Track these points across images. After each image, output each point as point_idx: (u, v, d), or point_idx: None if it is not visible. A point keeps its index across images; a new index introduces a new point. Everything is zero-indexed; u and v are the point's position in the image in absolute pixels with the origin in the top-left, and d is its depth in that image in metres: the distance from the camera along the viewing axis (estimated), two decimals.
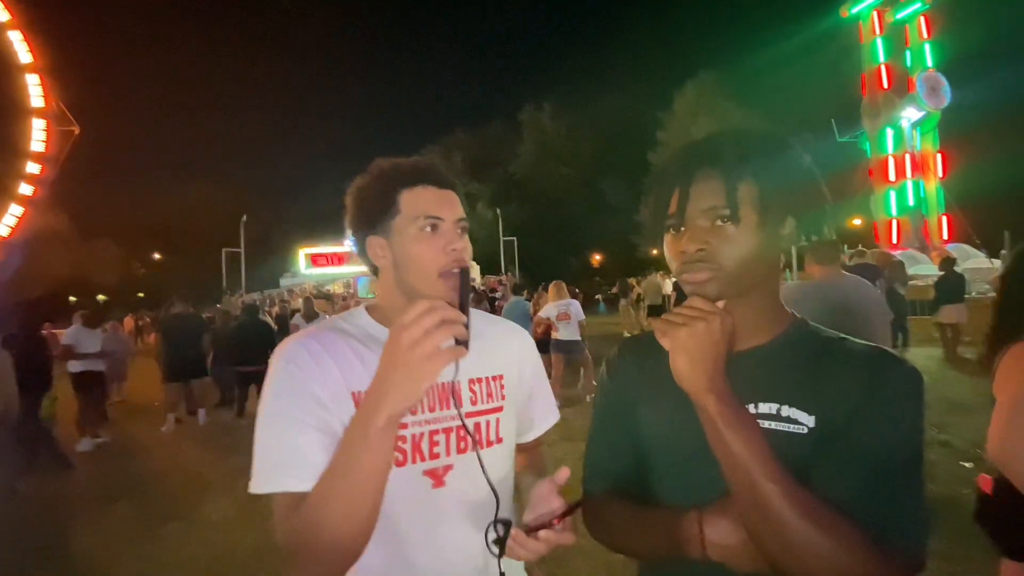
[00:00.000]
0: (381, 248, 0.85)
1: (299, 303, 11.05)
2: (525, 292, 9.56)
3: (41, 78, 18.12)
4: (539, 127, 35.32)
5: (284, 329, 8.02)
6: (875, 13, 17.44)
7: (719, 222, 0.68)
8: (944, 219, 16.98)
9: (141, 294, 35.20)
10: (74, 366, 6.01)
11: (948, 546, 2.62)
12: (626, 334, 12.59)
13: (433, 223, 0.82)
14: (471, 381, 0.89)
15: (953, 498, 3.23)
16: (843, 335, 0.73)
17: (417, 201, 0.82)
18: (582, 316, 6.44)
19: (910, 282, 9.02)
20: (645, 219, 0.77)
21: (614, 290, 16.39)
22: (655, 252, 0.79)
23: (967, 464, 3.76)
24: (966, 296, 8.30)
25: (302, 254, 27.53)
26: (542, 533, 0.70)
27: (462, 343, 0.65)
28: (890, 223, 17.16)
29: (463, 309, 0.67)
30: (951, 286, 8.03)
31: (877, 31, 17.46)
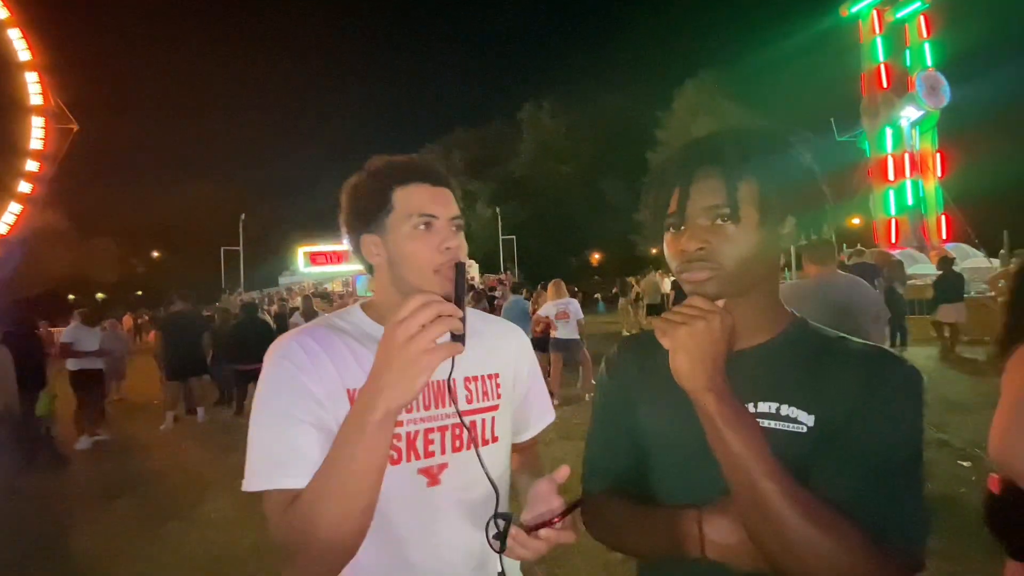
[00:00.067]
0: (375, 246, 0.84)
1: (298, 301, 11.05)
2: (524, 291, 9.56)
3: (40, 76, 18.08)
4: (539, 126, 35.31)
5: (283, 327, 8.01)
6: (875, 12, 17.42)
7: (719, 221, 0.68)
8: (943, 218, 16.98)
9: (140, 292, 35.19)
10: (73, 364, 6.01)
11: (947, 545, 2.62)
12: (625, 333, 12.59)
13: (427, 221, 0.81)
14: (467, 379, 0.88)
15: (952, 498, 3.24)
16: (843, 334, 0.73)
17: (411, 199, 0.82)
18: (581, 315, 6.45)
19: (909, 281, 9.03)
20: (645, 218, 0.77)
21: (616, 290, 16.40)
22: (654, 251, 0.79)
23: (966, 464, 3.77)
24: (965, 295, 8.31)
25: (301, 252, 27.51)
26: (543, 532, 0.70)
27: (458, 338, 0.65)
28: (889, 222, 17.16)
29: (459, 304, 0.67)
30: (949, 285, 8.05)
31: (876, 30, 17.44)
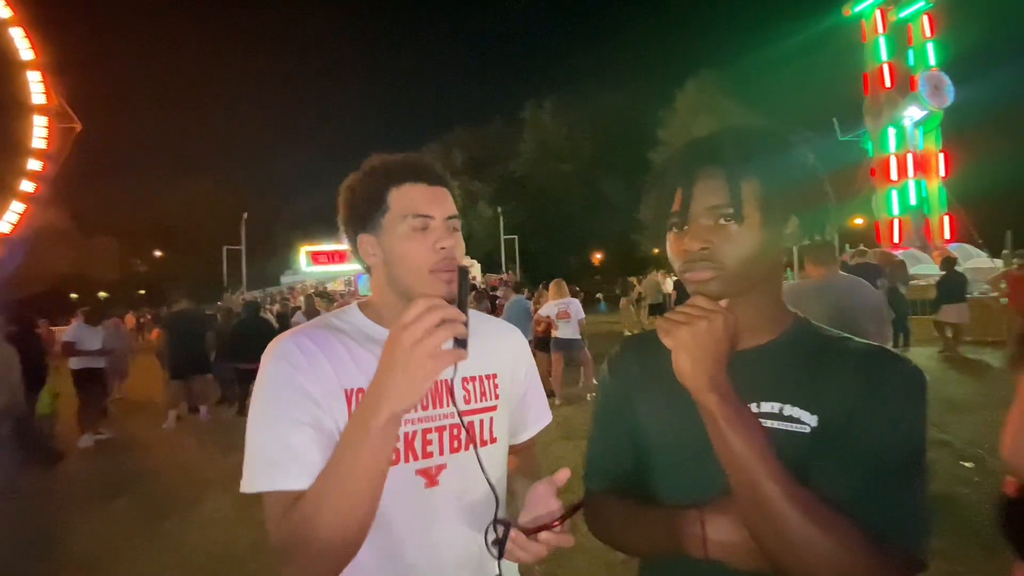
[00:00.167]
0: (372, 246, 0.84)
1: (300, 301, 11.07)
2: (526, 290, 9.56)
3: (43, 75, 18.12)
4: (539, 125, 35.27)
5: (285, 327, 7.98)
6: (878, 11, 17.36)
7: (722, 221, 0.68)
8: (946, 218, 16.92)
9: (142, 291, 35.25)
10: (75, 363, 6.03)
11: (948, 545, 2.62)
12: (626, 333, 12.59)
13: (422, 221, 0.81)
14: (464, 380, 0.88)
15: (953, 498, 3.23)
16: (845, 335, 0.73)
17: (406, 199, 0.81)
18: (582, 315, 6.45)
19: (911, 282, 9.01)
20: (647, 217, 0.77)
21: (618, 291, 16.39)
22: (655, 251, 0.78)
23: (967, 464, 3.77)
24: (967, 296, 8.29)
25: (303, 252, 27.54)
26: (542, 535, 0.70)
27: (461, 343, 0.65)
28: (892, 222, 17.11)
29: (462, 308, 0.67)
30: (952, 286, 8.03)
31: (880, 29, 17.38)
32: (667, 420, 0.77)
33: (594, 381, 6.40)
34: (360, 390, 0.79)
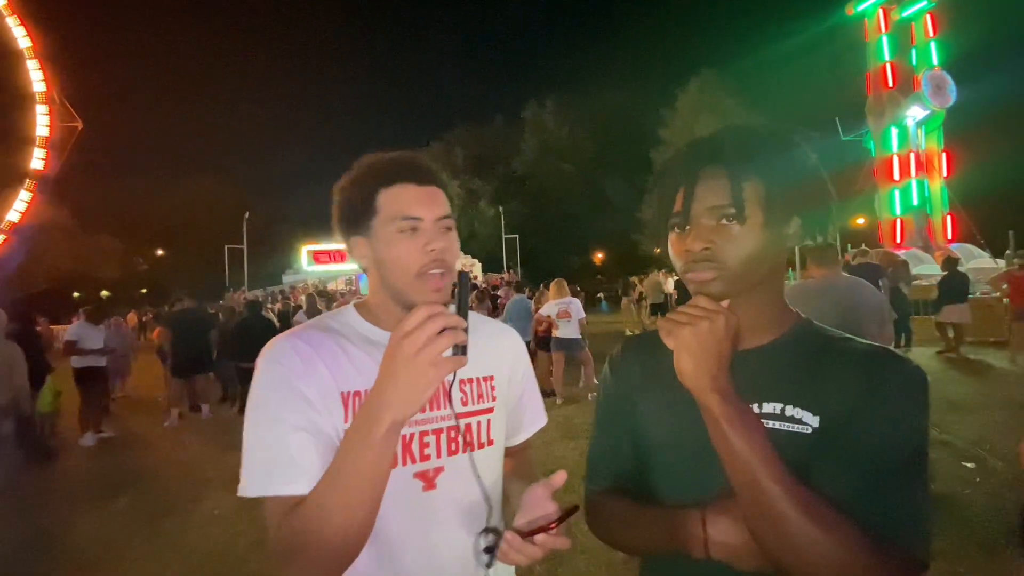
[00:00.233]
0: (363, 249, 0.83)
1: (302, 300, 11.08)
2: (527, 290, 9.56)
3: (41, 63, 18.15)
4: (541, 124, 35.23)
5: (286, 326, 8.03)
6: (881, 11, 17.30)
7: (724, 221, 0.68)
8: (948, 219, 16.88)
9: (144, 290, 35.29)
10: (77, 362, 6.05)
11: (949, 545, 2.62)
12: (628, 332, 12.58)
13: (412, 223, 0.79)
14: (462, 381, 0.87)
15: (955, 498, 3.23)
16: (847, 335, 0.73)
17: (395, 201, 0.80)
18: (582, 314, 6.44)
19: (914, 282, 8.99)
20: (649, 217, 0.77)
21: (621, 290, 16.38)
22: (657, 250, 0.78)
23: (969, 464, 3.76)
24: (970, 296, 8.27)
25: (304, 251, 27.56)
26: (539, 537, 0.69)
27: (461, 349, 0.64)
28: (894, 222, 17.07)
29: (463, 313, 0.66)
30: (954, 286, 8.01)
31: (882, 29, 17.33)
32: (668, 420, 0.76)
33: (595, 381, 6.40)
34: (357, 393, 0.78)
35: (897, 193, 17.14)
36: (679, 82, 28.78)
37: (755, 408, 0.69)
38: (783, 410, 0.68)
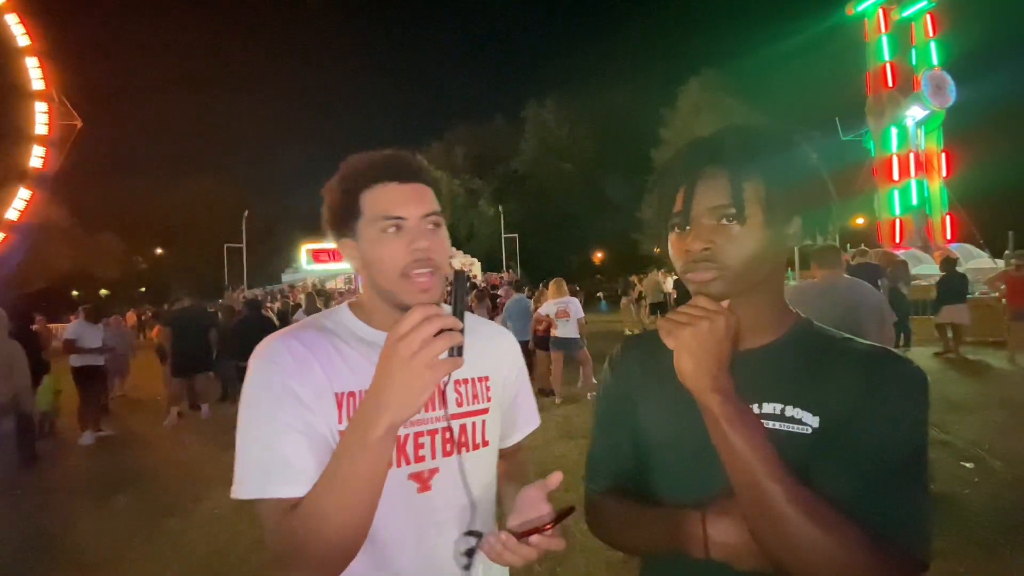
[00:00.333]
0: (352, 250, 0.83)
1: (301, 298, 11.08)
2: (526, 289, 9.56)
3: (40, 61, 18.10)
4: (541, 123, 35.24)
5: (286, 324, 7.97)
6: (881, 11, 17.31)
7: (724, 221, 0.67)
8: (947, 219, 16.90)
9: (143, 289, 35.29)
10: (76, 360, 6.05)
11: (948, 545, 2.62)
12: (627, 332, 12.59)
13: (395, 223, 0.78)
14: (456, 382, 0.87)
15: (953, 498, 3.24)
16: (848, 335, 0.73)
17: (378, 201, 0.79)
18: (581, 314, 6.44)
19: (913, 282, 8.99)
20: (649, 217, 0.77)
21: (620, 289, 16.39)
22: (656, 250, 0.78)
23: (968, 464, 3.77)
24: (968, 296, 8.27)
25: (304, 250, 27.57)
26: (533, 538, 0.69)
27: (457, 349, 0.64)
28: (893, 222, 17.09)
29: (459, 314, 0.66)
30: (952, 286, 8.02)
31: (882, 28, 17.34)
32: (669, 420, 0.76)
33: (593, 380, 6.40)
34: (351, 393, 0.78)
35: (896, 193, 17.15)
36: (679, 81, 28.81)
37: (755, 408, 0.68)
38: (783, 410, 0.68)
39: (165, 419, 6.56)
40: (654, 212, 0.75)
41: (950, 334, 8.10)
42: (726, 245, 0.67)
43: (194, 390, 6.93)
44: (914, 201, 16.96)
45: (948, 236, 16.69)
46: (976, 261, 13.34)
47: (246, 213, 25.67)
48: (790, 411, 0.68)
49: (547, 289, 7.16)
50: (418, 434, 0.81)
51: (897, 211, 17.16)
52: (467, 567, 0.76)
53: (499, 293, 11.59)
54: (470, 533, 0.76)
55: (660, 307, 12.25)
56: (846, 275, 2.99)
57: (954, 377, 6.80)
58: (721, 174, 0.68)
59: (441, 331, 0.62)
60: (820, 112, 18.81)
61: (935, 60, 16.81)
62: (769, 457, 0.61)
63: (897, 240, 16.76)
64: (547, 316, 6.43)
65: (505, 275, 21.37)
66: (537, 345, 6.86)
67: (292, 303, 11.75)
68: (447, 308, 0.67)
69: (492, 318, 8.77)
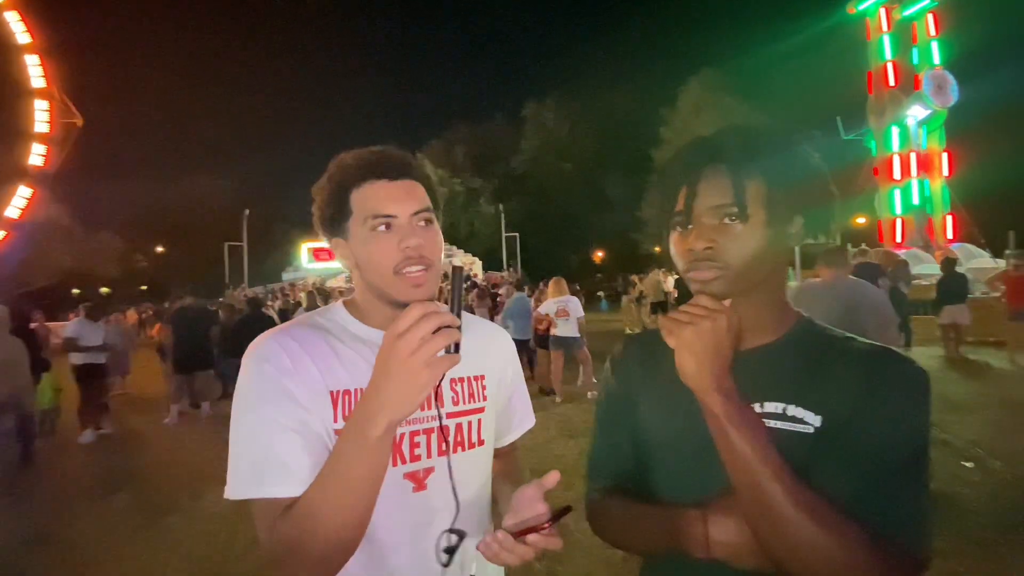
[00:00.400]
0: (344, 250, 0.83)
1: (301, 297, 11.08)
2: (527, 288, 9.56)
3: (41, 59, 18.06)
4: (541, 122, 35.21)
5: None
6: (883, 10, 17.28)
7: (726, 220, 0.68)
8: (948, 218, 16.89)
9: (144, 287, 35.28)
10: (76, 358, 6.05)
11: (948, 545, 2.62)
12: (627, 331, 12.59)
13: (384, 221, 0.77)
14: (452, 381, 0.86)
15: (953, 498, 3.24)
16: (850, 335, 0.73)
17: (367, 200, 0.78)
18: (581, 313, 6.44)
19: (914, 281, 8.99)
20: (651, 216, 0.77)
21: (621, 288, 16.39)
22: (657, 249, 0.78)
23: (968, 464, 3.77)
24: (969, 296, 8.27)
25: (304, 248, 27.57)
26: (530, 538, 0.69)
27: (454, 347, 0.63)
28: (894, 222, 17.08)
29: (456, 311, 0.65)
30: (952, 287, 8.01)
31: (884, 28, 17.31)
32: (670, 419, 0.76)
33: (593, 380, 6.40)
34: (346, 392, 0.77)
35: (898, 192, 17.15)
36: (680, 81, 28.74)
37: (757, 408, 0.68)
38: (785, 410, 0.68)
39: (166, 417, 6.57)
40: (655, 211, 0.76)
41: (951, 334, 8.09)
42: (728, 244, 0.67)
43: (195, 388, 6.94)
44: (915, 201, 16.95)
45: (949, 236, 16.68)
46: (977, 261, 13.34)
47: (247, 211, 25.67)
48: (792, 410, 0.68)
49: (547, 288, 7.16)
50: (413, 433, 0.80)
51: (898, 210, 17.15)
52: (446, 564, 0.76)
53: (500, 292, 11.59)
54: (452, 531, 0.76)
55: (661, 306, 12.25)
56: (851, 276, 3.01)
57: (954, 377, 6.80)
58: (723, 173, 0.68)
59: (439, 328, 0.62)
60: (821, 111, 18.80)
61: (937, 59, 16.79)
62: (770, 456, 0.61)
63: (898, 240, 16.76)
64: (547, 315, 6.43)
65: (506, 274, 21.37)
66: (538, 344, 6.86)
67: (293, 301, 11.76)
68: (444, 307, 0.67)
69: (493, 317, 8.78)
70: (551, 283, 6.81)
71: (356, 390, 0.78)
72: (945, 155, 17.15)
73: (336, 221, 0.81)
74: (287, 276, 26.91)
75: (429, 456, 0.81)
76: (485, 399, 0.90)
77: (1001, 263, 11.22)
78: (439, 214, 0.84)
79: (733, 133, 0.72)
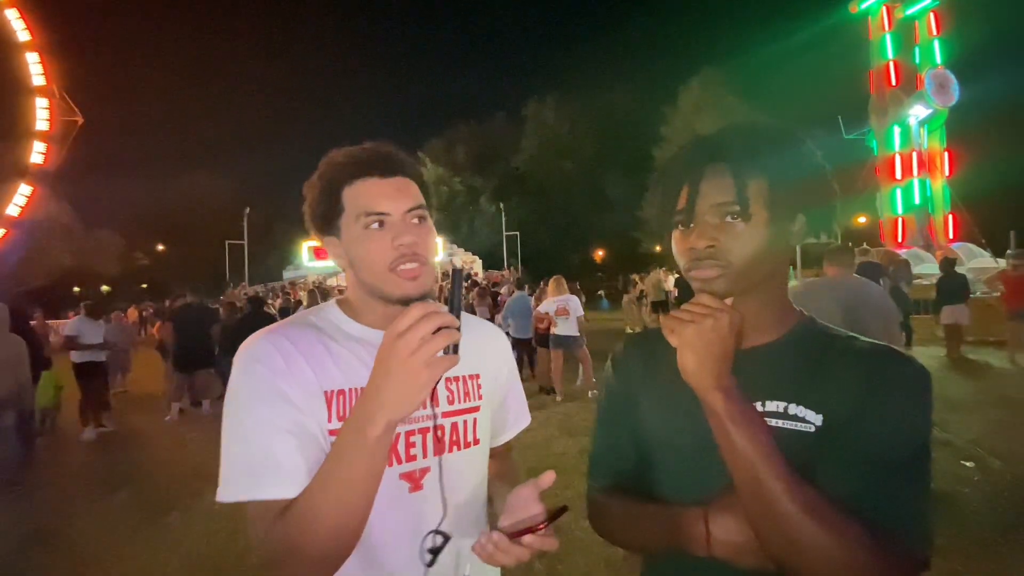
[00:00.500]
0: (336, 248, 0.82)
1: (301, 295, 11.09)
2: (527, 287, 9.56)
3: (41, 56, 18.03)
4: (542, 121, 35.20)
5: None
6: (884, 9, 17.24)
7: (728, 218, 0.67)
8: (950, 218, 16.88)
9: (144, 285, 35.33)
10: (76, 357, 6.07)
11: (948, 544, 2.63)
12: (628, 330, 12.58)
13: (378, 219, 0.76)
14: (447, 380, 0.85)
15: (953, 497, 3.24)
16: (851, 333, 0.73)
17: (359, 198, 0.77)
18: (581, 312, 6.44)
19: (915, 281, 8.98)
20: (652, 214, 0.76)
21: (621, 287, 16.39)
22: (658, 248, 0.78)
23: (968, 463, 3.77)
24: (971, 296, 8.26)
25: (305, 247, 27.57)
26: (526, 538, 0.68)
27: (452, 347, 0.63)
28: (895, 221, 17.07)
29: (455, 311, 0.65)
30: (951, 287, 8.01)
31: (886, 27, 17.27)
32: (671, 418, 0.76)
33: (593, 379, 6.41)
34: (341, 392, 0.76)
35: (899, 192, 17.12)
36: (681, 80, 28.72)
37: (758, 406, 0.68)
38: (786, 408, 0.68)
39: (166, 415, 6.59)
40: (657, 210, 0.75)
41: (953, 334, 8.08)
42: (730, 243, 0.67)
43: (195, 386, 6.95)
44: (916, 200, 16.93)
45: (950, 235, 16.67)
46: (978, 260, 13.34)
47: (247, 210, 25.68)
48: (793, 409, 0.68)
49: (547, 287, 7.17)
50: (409, 433, 0.79)
51: (899, 210, 17.13)
52: (430, 564, 0.75)
53: (500, 291, 11.59)
54: (438, 532, 0.76)
55: (661, 305, 12.25)
56: (855, 275, 3.02)
57: (954, 377, 6.80)
58: (725, 172, 0.68)
59: (439, 329, 0.62)
60: (823, 110, 18.80)
61: (938, 59, 16.75)
62: (771, 455, 0.61)
63: (899, 239, 16.74)
64: (547, 314, 6.43)
65: (506, 273, 21.37)
66: (538, 343, 6.86)
67: (293, 300, 11.76)
68: (443, 307, 0.67)
69: (493, 316, 8.78)
70: (551, 282, 6.81)
71: (351, 390, 0.77)
72: (946, 155, 17.12)
73: (328, 219, 0.80)
74: (288, 274, 26.94)
75: (425, 456, 0.80)
76: (481, 398, 0.89)
77: (1002, 263, 11.21)
78: (432, 211, 0.84)
79: (735, 131, 0.71)
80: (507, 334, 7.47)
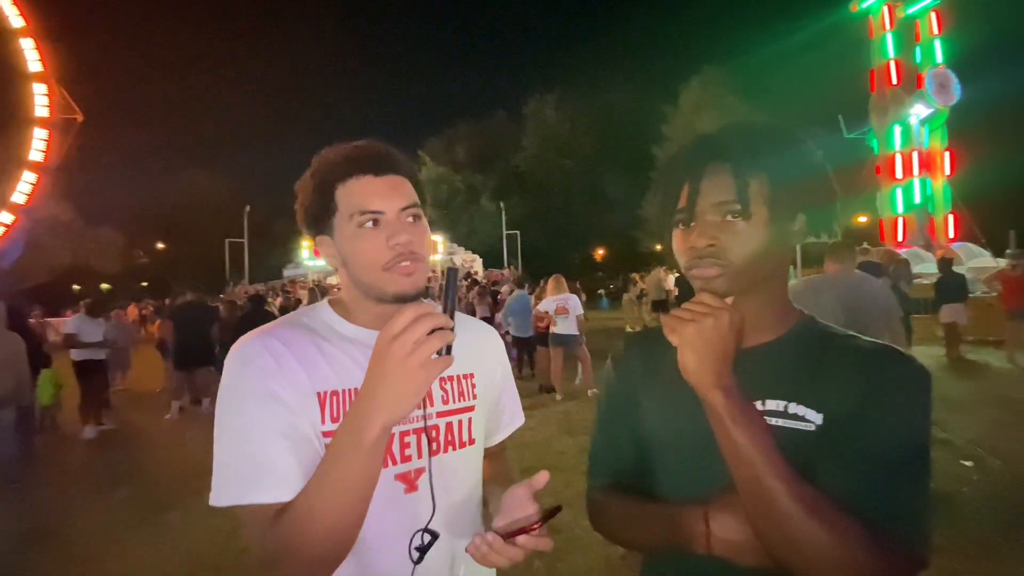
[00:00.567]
0: (329, 247, 0.81)
1: (302, 294, 11.09)
2: (527, 286, 9.57)
3: (36, 42, 17.90)
4: (542, 120, 35.19)
5: None
6: (885, 8, 17.21)
7: (729, 217, 0.67)
8: (950, 217, 16.88)
9: (144, 283, 35.32)
10: (76, 355, 6.07)
11: (948, 543, 2.63)
12: (628, 329, 12.59)
13: (371, 217, 0.76)
14: (442, 379, 0.85)
15: (953, 496, 3.25)
16: (851, 332, 0.73)
17: (352, 196, 0.77)
18: (580, 311, 6.44)
19: (915, 280, 8.97)
20: (653, 213, 0.76)
21: (621, 286, 16.40)
22: (658, 247, 0.78)
23: (967, 463, 3.77)
24: (970, 295, 8.26)
25: (305, 245, 27.57)
26: (520, 539, 0.68)
27: (447, 348, 0.63)
28: (896, 221, 17.06)
29: (450, 311, 0.65)
30: (950, 286, 8.01)
31: (887, 26, 17.25)
32: (671, 417, 0.76)
33: (593, 378, 6.41)
34: (334, 392, 0.76)
35: (899, 191, 17.11)
36: (681, 79, 28.68)
37: (758, 405, 0.68)
38: (786, 407, 0.68)
39: (166, 413, 6.59)
40: (657, 208, 0.75)
41: (953, 333, 8.08)
42: (730, 241, 0.67)
43: (195, 384, 6.95)
44: (917, 199, 16.92)
45: (951, 235, 16.67)
46: (978, 260, 13.34)
47: (247, 208, 25.67)
48: (793, 408, 0.68)
49: (547, 286, 7.17)
50: (403, 433, 0.79)
51: (900, 209, 17.12)
52: (418, 561, 0.75)
53: (500, 290, 11.60)
54: (427, 531, 0.76)
55: (661, 304, 12.26)
56: (857, 271, 3.02)
57: (953, 376, 6.80)
58: (725, 170, 0.68)
59: (433, 330, 0.61)
60: (823, 109, 18.79)
61: (939, 58, 16.73)
62: (772, 454, 0.61)
63: (900, 238, 16.74)
64: (547, 312, 6.43)
65: (507, 272, 21.38)
66: (538, 341, 6.86)
67: (294, 299, 11.76)
68: (437, 306, 0.67)
69: (493, 315, 8.79)
70: (550, 281, 6.81)
71: (344, 391, 0.77)
72: (947, 154, 17.11)
73: (321, 218, 0.79)
74: (288, 273, 26.95)
75: (420, 457, 0.80)
76: (475, 397, 0.89)
77: (1002, 262, 11.21)
78: (427, 209, 0.83)
79: (736, 130, 0.71)
80: (507, 333, 7.50)
